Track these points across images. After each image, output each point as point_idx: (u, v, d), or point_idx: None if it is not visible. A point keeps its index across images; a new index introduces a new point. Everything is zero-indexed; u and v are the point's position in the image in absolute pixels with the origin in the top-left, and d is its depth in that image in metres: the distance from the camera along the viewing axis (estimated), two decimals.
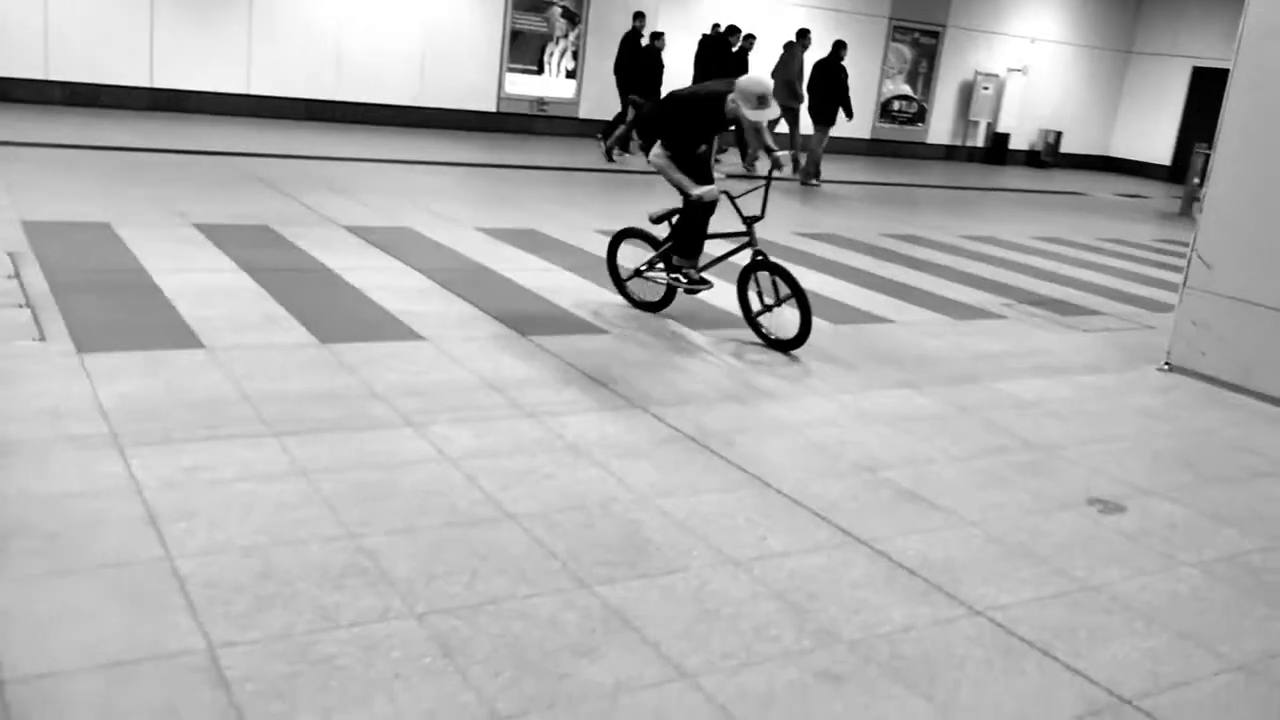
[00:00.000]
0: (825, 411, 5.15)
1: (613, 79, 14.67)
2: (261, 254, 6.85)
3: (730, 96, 5.86)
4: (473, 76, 15.91)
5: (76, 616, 2.81)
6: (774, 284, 6.00)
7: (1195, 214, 16.14)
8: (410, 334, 5.56)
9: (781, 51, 14.86)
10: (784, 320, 6.11)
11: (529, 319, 6.09)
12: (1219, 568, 3.93)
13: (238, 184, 9.37)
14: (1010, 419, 5.33)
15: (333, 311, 5.79)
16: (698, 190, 6.01)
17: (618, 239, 6.72)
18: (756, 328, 6.16)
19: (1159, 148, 22.23)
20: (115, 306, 5.47)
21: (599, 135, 14.86)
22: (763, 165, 14.28)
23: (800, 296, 5.85)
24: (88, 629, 2.76)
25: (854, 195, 13.94)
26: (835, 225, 11.08)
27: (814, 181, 14.18)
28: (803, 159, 14.40)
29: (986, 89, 20.56)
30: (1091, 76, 22.39)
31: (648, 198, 11.87)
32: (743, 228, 6.14)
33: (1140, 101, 22.47)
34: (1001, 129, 21.14)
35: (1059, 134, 21.82)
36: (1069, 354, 6.80)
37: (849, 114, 14.26)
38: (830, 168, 15.38)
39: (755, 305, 6.14)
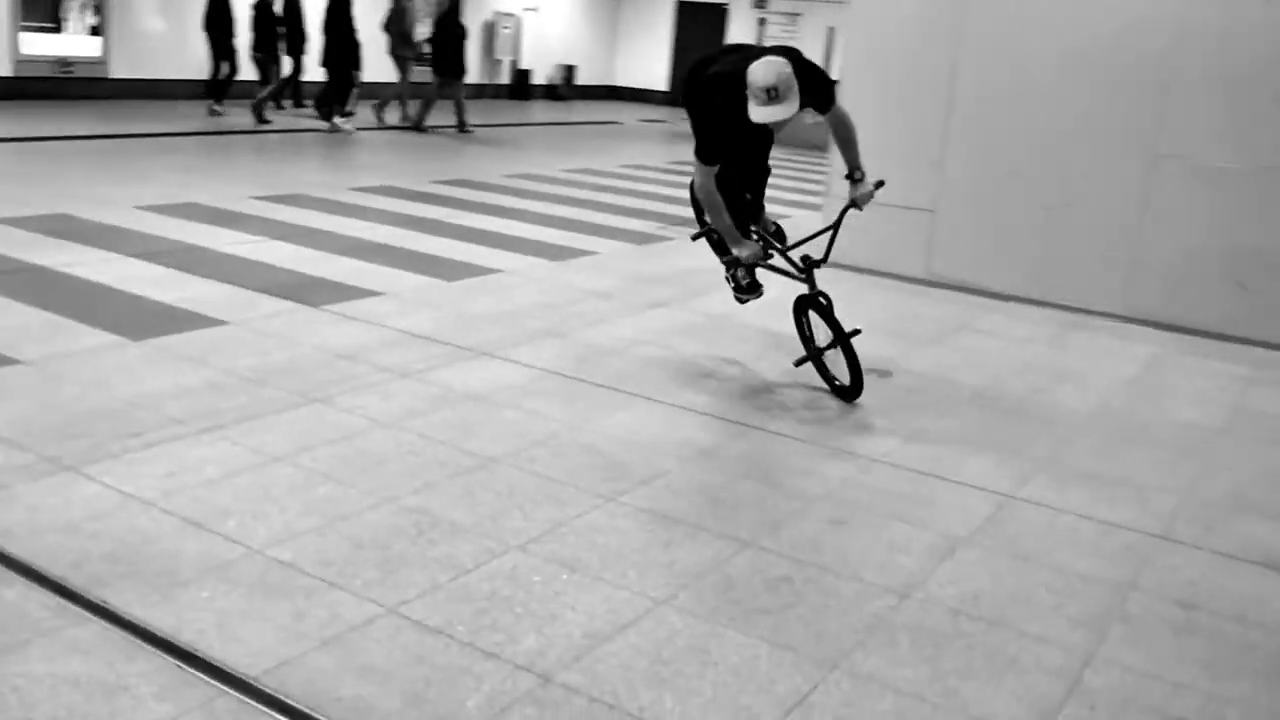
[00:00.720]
0: (625, 332, 5.88)
1: (203, 35, 13.95)
2: None
3: None
4: None
5: (243, 617, 2.89)
6: (827, 328, 5.04)
7: None
8: (211, 321, 5.45)
9: (391, 4, 14.83)
10: (841, 366, 5.07)
11: (301, 291, 6.13)
12: (979, 402, 5.26)
13: None
14: (756, 320, 6.39)
15: (107, 309, 5.47)
16: (738, 251, 4.79)
17: None
18: (821, 370, 5.16)
19: (655, 75, 24.75)
20: None
21: (213, 100, 14.34)
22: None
23: (844, 344, 4.92)
24: (272, 625, 2.87)
25: (411, 141, 14.42)
26: (465, 169, 11.58)
27: (469, 129, 15.15)
28: (412, 108, 15.12)
29: (507, 28, 21.65)
30: (594, 11, 24.28)
31: (263, 158, 11.57)
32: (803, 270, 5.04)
33: (636, 34, 24.80)
34: (523, 65, 22.41)
35: (572, 67, 23.54)
36: None
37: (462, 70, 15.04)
38: (364, 113, 15.68)
39: (812, 344, 5.22)
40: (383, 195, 9.61)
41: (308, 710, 2.54)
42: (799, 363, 5.21)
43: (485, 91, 22.02)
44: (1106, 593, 3.43)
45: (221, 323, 5.43)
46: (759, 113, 4.39)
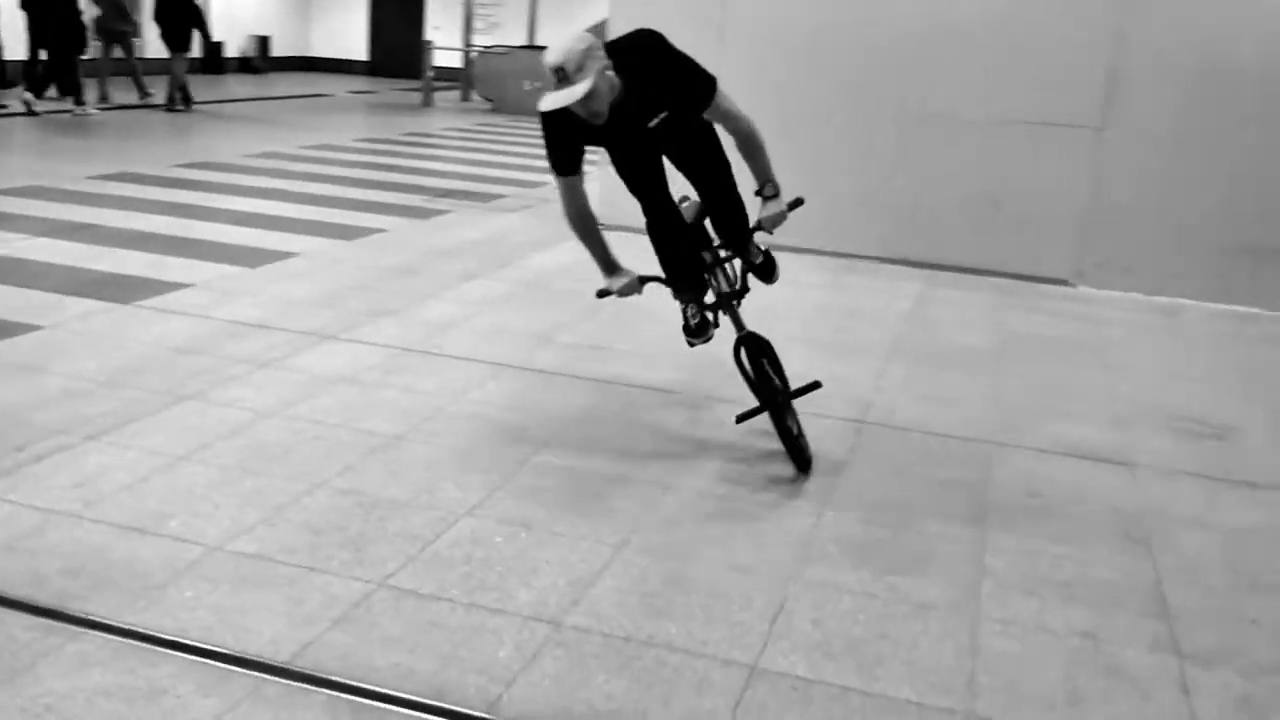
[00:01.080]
0: (450, 305, 6.00)
1: None
2: None
3: None
4: None
5: (242, 611, 2.92)
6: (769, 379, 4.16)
7: (434, 104, 18.60)
8: (25, 326, 5.11)
9: None
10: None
11: (103, 288, 5.81)
12: (800, 341, 5.76)
13: None
14: (571, 285, 6.65)
15: None
16: (608, 282, 3.98)
17: None
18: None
19: (354, 45, 24.12)
20: None
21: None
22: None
23: (771, 409, 4.06)
24: (275, 614, 2.90)
25: (134, 121, 13.56)
26: (198, 150, 11.00)
27: (180, 107, 14.41)
28: (109, 85, 14.26)
29: None
30: None
31: (29, 147, 10.56)
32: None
33: (330, 3, 24.02)
34: (215, 38, 21.20)
35: (266, 38, 22.53)
36: (533, 229, 8.27)
37: (206, 37, 14.51)
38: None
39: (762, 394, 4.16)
40: (127, 183, 9.05)
41: (353, 683, 2.65)
42: (740, 419, 4.12)
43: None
44: (972, 492, 4.02)
45: (36, 327, 5.11)
46: (546, 99, 3.52)
